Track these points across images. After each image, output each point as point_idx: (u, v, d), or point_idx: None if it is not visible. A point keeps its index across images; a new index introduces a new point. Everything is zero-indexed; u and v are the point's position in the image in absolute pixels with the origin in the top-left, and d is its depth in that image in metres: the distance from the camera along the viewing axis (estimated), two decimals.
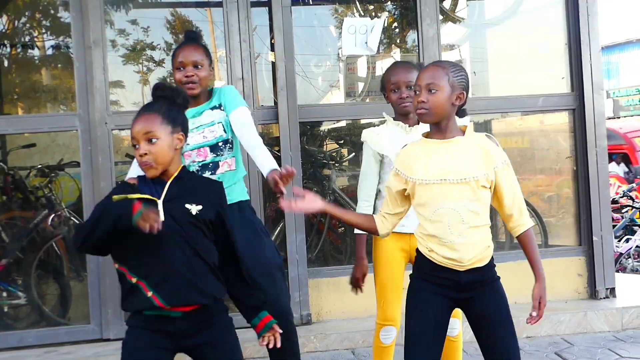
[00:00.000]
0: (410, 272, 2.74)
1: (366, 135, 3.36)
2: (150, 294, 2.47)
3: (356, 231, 3.28)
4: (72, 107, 6.03)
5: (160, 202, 2.50)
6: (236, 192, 3.32)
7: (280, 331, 2.70)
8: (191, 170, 3.13)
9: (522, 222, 2.63)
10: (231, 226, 2.68)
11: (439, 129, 2.61)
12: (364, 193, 3.33)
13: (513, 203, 2.61)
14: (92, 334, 4.70)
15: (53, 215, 5.49)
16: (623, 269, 7.50)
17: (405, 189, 2.65)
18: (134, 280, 2.50)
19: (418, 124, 3.26)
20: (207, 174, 3.25)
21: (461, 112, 2.68)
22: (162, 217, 2.44)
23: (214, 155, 3.28)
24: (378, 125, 3.42)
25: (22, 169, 5.92)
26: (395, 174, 2.67)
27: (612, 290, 5.22)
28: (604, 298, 5.18)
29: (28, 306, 5.17)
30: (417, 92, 2.59)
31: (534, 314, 2.61)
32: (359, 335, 4.64)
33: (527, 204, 5.61)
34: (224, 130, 3.29)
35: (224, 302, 2.68)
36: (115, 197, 2.43)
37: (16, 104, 7.16)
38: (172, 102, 2.65)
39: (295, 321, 4.73)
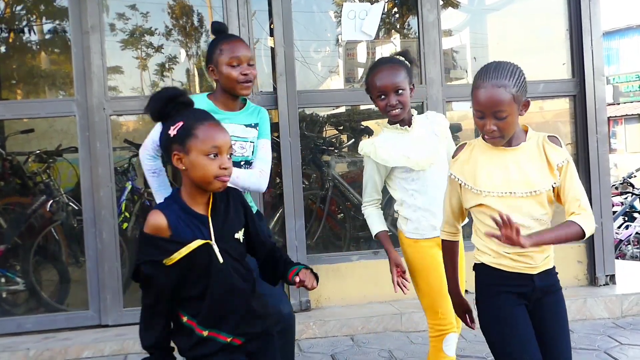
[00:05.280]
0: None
1: (365, 148, 3.06)
2: (229, 339, 2.29)
3: (377, 230, 3.03)
4: (70, 93, 6.00)
5: (214, 244, 2.25)
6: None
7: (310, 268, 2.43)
8: None
9: (575, 213, 2.35)
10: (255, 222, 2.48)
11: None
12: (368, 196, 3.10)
13: (568, 196, 2.36)
14: (91, 320, 4.70)
15: (51, 201, 5.47)
16: (623, 256, 7.50)
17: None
18: (205, 333, 2.27)
19: (411, 123, 3.03)
20: None
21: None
22: (220, 260, 2.25)
23: None
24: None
25: (20, 155, 5.90)
26: (458, 185, 2.44)
27: (612, 277, 5.22)
28: (604, 285, 5.18)
29: (26, 292, 5.17)
30: (481, 118, 2.34)
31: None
32: (358, 321, 4.64)
33: None
34: (252, 152, 3.08)
35: None
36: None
37: (14, 89, 7.12)
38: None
39: (294, 307, 4.76)
